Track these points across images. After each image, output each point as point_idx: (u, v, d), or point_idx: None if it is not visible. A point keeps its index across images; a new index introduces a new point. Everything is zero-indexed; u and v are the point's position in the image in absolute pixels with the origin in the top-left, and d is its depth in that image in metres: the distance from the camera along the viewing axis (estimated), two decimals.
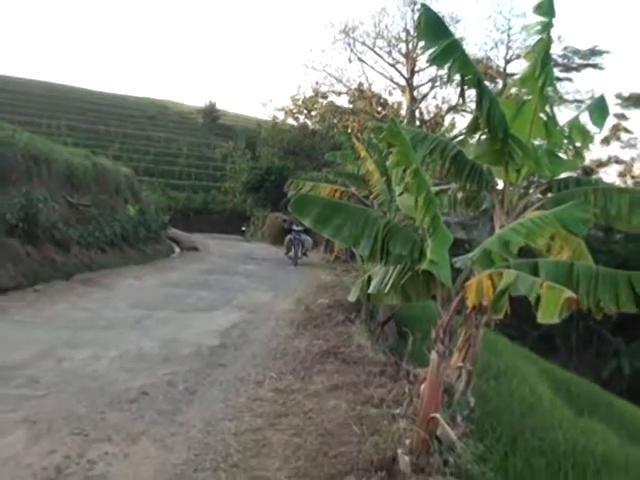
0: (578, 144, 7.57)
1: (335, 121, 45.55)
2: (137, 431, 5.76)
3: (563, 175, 8.13)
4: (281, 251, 25.83)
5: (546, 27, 6.76)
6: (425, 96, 44.27)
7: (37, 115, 50.02)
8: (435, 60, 7.00)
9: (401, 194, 5.29)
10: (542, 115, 7.13)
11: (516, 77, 8.11)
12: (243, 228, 39.68)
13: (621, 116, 53.66)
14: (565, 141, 7.49)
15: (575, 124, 7.56)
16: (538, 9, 6.79)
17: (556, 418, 9.70)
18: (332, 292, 15.28)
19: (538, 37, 6.87)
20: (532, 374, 14.27)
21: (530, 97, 7.14)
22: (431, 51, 6.95)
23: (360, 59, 44.74)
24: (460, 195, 8.44)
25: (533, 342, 30.30)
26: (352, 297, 6.54)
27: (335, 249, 24.53)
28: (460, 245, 7.64)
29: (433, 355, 5.14)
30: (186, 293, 14.40)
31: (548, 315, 4.24)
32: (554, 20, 6.75)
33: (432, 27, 7.03)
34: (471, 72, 7.00)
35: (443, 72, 7.05)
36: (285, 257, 24.93)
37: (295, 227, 24.10)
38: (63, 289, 13.35)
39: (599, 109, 7.73)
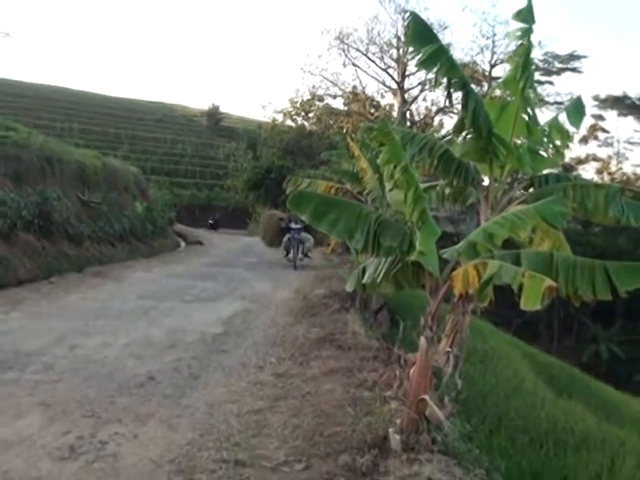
0: (557, 142, 7.58)
1: (331, 122, 45.66)
2: (145, 413, 5.76)
3: (544, 172, 8.15)
4: (278, 253, 21.63)
5: (526, 33, 6.74)
6: (415, 98, 44.37)
7: (52, 119, 50.13)
8: (423, 64, 7.00)
9: (391, 190, 5.29)
10: (524, 115, 7.12)
11: (499, 80, 8.10)
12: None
13: (598, 117, 53.96)
14: (545, 140, 7.49)
15: (554, 124, 7.56)
16: (518, 16, 6.77)
17: (538, 399, 9.73)
18: (328, 283, 15.29)
19: (519, 42, 6.86)
20: (516, 358, 14.31)
21: (512, 99, 7.14)
22: (419, 56, 6.95)
23: (354, 64, 44.88)
24: (448, 191, 8.44)
25: (517, 328, 30.39)
26: (349, 287, 6.56)
27: (331, 243, 24.41)
28: (449, 238, 7.66)
29: (422, 340, 5.15)
30: (191, 284, 14.40)
31: (530, 302, 4.26)
32: (534, 26, 6.75)
33: (420, 33, 7.02)
34: (457, 75, 7.00)
35: (431, 76, 7.05)
36: (284, 260, 20.84)
37: (293, 225, 20.27)
38: (76, 281, 13.37)
39: (576, 110, 7.73)
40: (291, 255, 20.42)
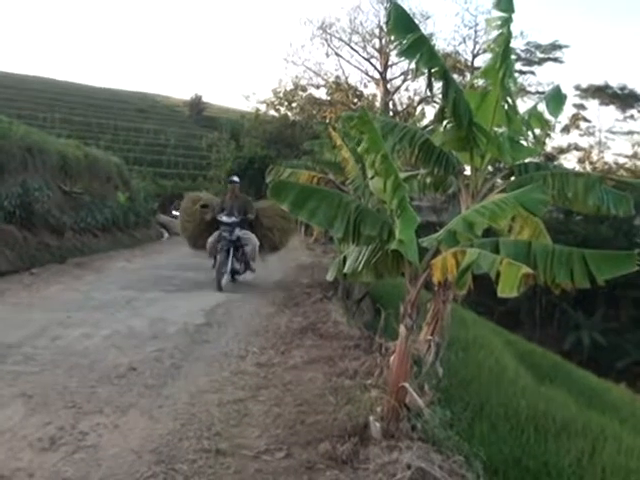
0: (537, 131, 7.62)
1: (314, 112, 45.69)
2: (126, 404, 5.74)
3: (525, 161, 8.19)
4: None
5: (506, 22, 6.77)
6: (398, 88, 44.47)
7: (33, 109, 49.75)
8: (404, 53, 7.03)
9: (372, 178, 5.30)
10: (503, 105, 7.16)
11: (480, 70, 8.13)
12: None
13: (580, 106, 54.20)
14: (525, 129, 7.53)
15: (534, 113, 7.61)
16: (498, 5, 6.79)
17: (520, 386, 9.78)
18: (311, 272, 15.32)
19: (499, 32, 6.88)
20: (498, 346, 14.36)
21: (492, 88, 7.16)
22: (400, 45, 6.96)
23: (337, 54, 44.98)
24: (429, 180, 8.48)
25: (500, 317, 30.58)
26: (330, 276, 6.57)
27: (314, 232, 24.31)
28: (431, 228, 7.70)
29: (401, 329, 5.16)
30: (173, 275, 14.38)
31: (507, 289, 4.28)
32: (513, 15, 6.76)
33: (401, 23, 7.04)
34: (438, 65, 7.03)
35: (413, 66, 7.05)
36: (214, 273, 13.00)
37: (224, 217, 13.23)
38: (58, 272, 13.30)
39: (555, 99, 7.79)
40: (222, 267, 12.76)
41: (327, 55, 45.66)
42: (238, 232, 13.14)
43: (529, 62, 47.63)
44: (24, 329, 8.15)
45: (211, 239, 13.23)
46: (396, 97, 45.05)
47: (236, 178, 14.68)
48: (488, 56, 7.37)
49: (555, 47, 48.15)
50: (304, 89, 46.86)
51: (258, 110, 46.59)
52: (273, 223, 14.01)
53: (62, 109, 53.57)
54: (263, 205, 14.27)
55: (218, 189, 43.83)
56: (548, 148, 46.88)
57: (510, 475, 6.16)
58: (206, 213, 13.78)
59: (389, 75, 43.82)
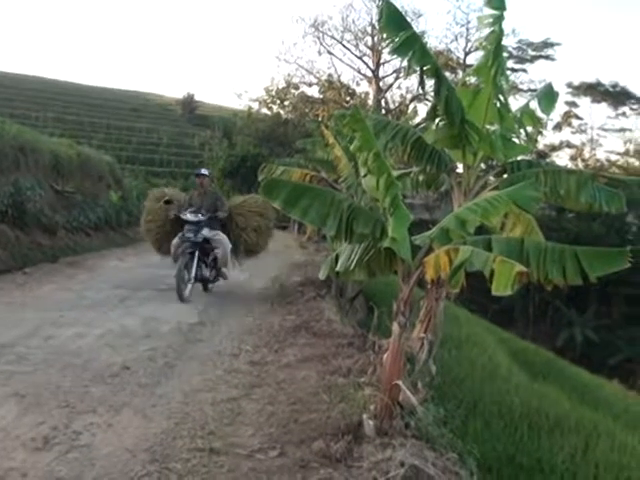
0: (529, 129, 7.64)
1: (306, 110, 45.72)
2: (120, 403, 5.73)
3: (517, 158, 8.20)
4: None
5: (498, 20, 6.77)
6: (390, 86, 44.53)
7: (26, 108, 49.53)
8: (396, 51, 7.03)
9: (365, 176, 5.30)
10: (496, 102, 7.17)
11: (472, 67, 8.14)
12: None
13: (572, 104, 54.38)
14: (517, 126, 7.54)
15: (526, 111, 7.62)
16: (489, 3, 6.79)
17: (513, 384, 9.81)
18: (304, 270, 15.31)
19: (491, 29, 6.89)
20: (491, 344, 14.40)
21: (484, 86, 7.17)
22: (393, 43, 6.96)
23: (329, 52, 45.00)
24: (421, 178, 8.48)
25: (493, 315, 30.68)
26: (322, 275, 6.56)
27: (307, 231, 24.29)
28: (424, 225, 7.70)
29: (394, 326, 5.16)
30: (166, 273, 14.27)
31: (501, 287, 4.28)
32: (505, 13, 6.77)
33: (393, 20, 7.04)
34: (430, 63, 7.03)
35: (405, 63, 7.05)
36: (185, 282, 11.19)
37: (189, 215, 11.49)
38: (50, 271, 13.26)
39: (547, 96, 7.80)
40: (186, 275, 11.03)
41: (319, 53, 45.77)
42: (206, 233, 11.36)
43: (521, 60, 47.77)
44: (17, 328, 8.13)
45: (175, 241, 11.45)
46: (388, 95, 45.16)
47: (205, 170, 12.86)
48: (480, 54, 7.38)
49: (547, 45, 48.30)
50: (296, 87, 46.92)
51: (250, 108, 46.59)
52: (249, 222, 12.31)
53: (55, 108, 53.33)
54: (237, 201, 12.77)
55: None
56: (540, 146, 47.09)
57: (504, 472, 6.17)
58: (170, 210, 11.90)
59: (381, 73, 43.92)
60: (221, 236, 11.70)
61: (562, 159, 53.81)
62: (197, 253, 11.21)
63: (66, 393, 5.89)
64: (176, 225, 11.70)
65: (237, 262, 12.71)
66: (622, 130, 54.93)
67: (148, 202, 12.98)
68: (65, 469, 4.37)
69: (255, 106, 46.98)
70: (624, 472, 6.70)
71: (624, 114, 54.71)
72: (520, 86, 44.39)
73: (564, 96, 51.77)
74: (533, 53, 48.15)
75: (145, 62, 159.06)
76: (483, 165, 8.67)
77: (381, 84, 43.80)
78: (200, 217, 11.40)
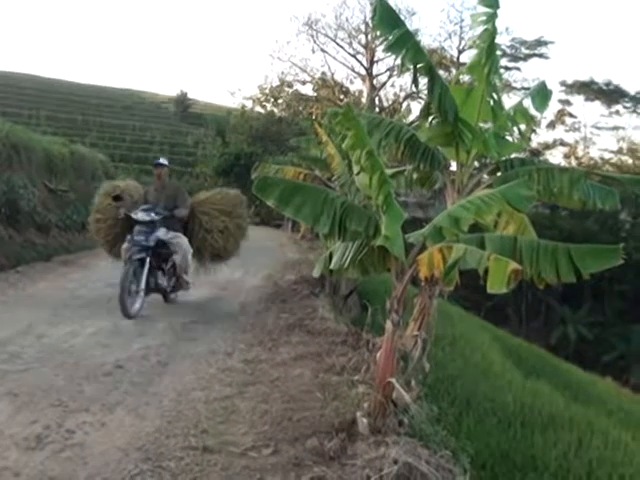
0: (522, 127, 7.65)
1: (300, 109, 45.59)
2: (113, 402, 5.73)
3: (510, 156, 8.21)
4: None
5: (491, 18, 6.77)
6: (384, 84, 44.39)
7: (19, 106, 49.39)
8: (390, 49, 7.03)
9: (358, 174, 5.30)
10: (489, 100, 7.18)
11: (465, 65, 8.15)
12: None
13: (565, 102, 54.52)
14: (510, 124, 7.55)
15: (519, 109, 7.63)
16: (483, 1, 6.79)
17: (506, 381, 9.86)
18: (298, 269, 15.30)
19: (484, 27, 6.89)
20: (485, 341, 14.46)
21: (478, 84, 7.18)
22: (386, 41, 6.97)
23: (323, 50, 44.76)
24: (415, 176, 8.47)
25: (486, 312, 30.77)
26: (316, 273, 6.58)
27: (301, 229, 24.24)
28: (418, 224, 7.70)
29: (388, 324, 5.17)
30: None
31: (496, 286, 4.29)
32: (498, 11, 6.77)
33: (386, 18, 7.04)
34: (423, 61, 7.03)
35: (399, 61, 7.06)
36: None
37: (141, 214, 9.70)
38: (43, 270, 13.21)
39: (541, 95, 7.81)
40: (132, 286, 9.22)
41: (313, 51, 45.60)
42: (162, 235, 9.63)
43: (514, 58, 47.80)
44: (10, 327, 8.10)
45: (126, 245, 9.69)
46: (382, 93, 45.05)
47: (164, 160, 10.80)
48: (473, 52, 7.38)
49: (540, 43, 48.35)
50: (290, 85, 46.78)
51: (244, 106, 46.48)
52: (214, 222, 10.57)
53: (48, 106, 53.16)
54: (201, 197, 10.99)
55: (205, 187, 43.76)
56: (534, 144, 47.19)
57: (497, 469, 6.20)
58: (119, 209, 10.02)
59: (375, 71, 43.79)
60: (180, 239, 9.97)
61: (555, 157, 53.99)
62: (148, 260, 9.42)
63: (59, 392, 5.89)
64: (129, 225, 9.85)
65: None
66: (615, 128, 55.11)
67: (98, 197, 11.14)
68: (58, 468, 4.37)
69: (249, 104, 46.87)
70: (617, 469, 6.73)
71: (617, 112, 54.87)
72: (514, 84, 44.35)
73: (557, 94, 51.94)
74: (526, 51, 48.20)
75: (138, 60, 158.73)
76: (476, 163, 8.67)
77: (375, 82, 43.71)
78: (154, 216, 9.58)
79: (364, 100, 43.22)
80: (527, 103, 7.66)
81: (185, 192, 10.60)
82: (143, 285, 9.35)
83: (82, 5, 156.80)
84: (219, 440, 4.98)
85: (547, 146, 53.86)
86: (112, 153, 39.41)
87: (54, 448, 4.68)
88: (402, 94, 44.15)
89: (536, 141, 49.70)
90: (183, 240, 10.00)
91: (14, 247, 13.72)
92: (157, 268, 9.84)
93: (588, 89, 53.87)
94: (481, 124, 7.37)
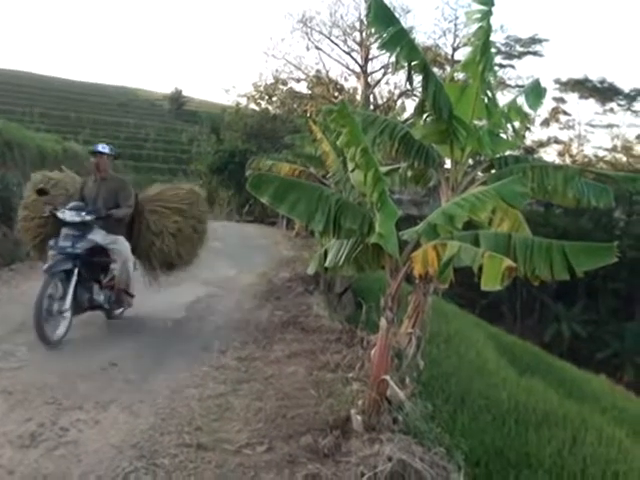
0: (517, 124, 7.66)
1: (295, 106, 45.61)
2: (107, 399, 5.72)
3: (504, 154, 8.23)
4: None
5: (486, 15, 6.78)
6: (378, 82, 44.41)
7: (13, 103, 49.27)
8: (384, 46, 7.06)
9: (353, 171, 5.31)
10: (483, 98, 7.19)
11: (460, 63, 8.16)
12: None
13: (560, 100, 54.55)
14: (504, 122, 7.57)
15: (513, 106, 7.64)
16: None
17: (501, 379, 9.88)
18: (293, 266, 15.28)
19: (479, 25, 6.90)
20: (479, 339, 14.48)
21: (472, 81, 7.19)
22: (381, 38, 6.97)
23: (317, 47, 44.77)
24: (409, 173, 8.48)
25: (481, 309, 30.77)
26: (311, 270, 6.59)
27: (296, 226, 24.20)
28: (412, 221, 7.69)
29: (382, 322, 5.18)
30: None
31: (491, 283, 4.30)
32: (493, 9, 6.78)
33: (381, 15, 7.06)
34: (418, 58, 7.05)
35: (393, 59, 7.07)
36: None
37: (70, 214, 7.71)
38: (37, 268, 13.14)
39: (535, 92, 7.83)
40: (66, 301, 7.48)
41: (307, 49, 45.71)
42: (99, 238, 7.83)
43: (509, 56, 47.85)
44: (3, 325, 8.07)
45: (50, 253, 7.89)
46: (377, 91, 45.07)
47: (104, 147, 8.64)
48: (468, 50, 7.39)
49: (535, 41, 48.39)
50: (285, 83, 46.78)
51: (239, 104, 46.43)
52: (165, 224, 8.76)
53: (41, 103, 53.04)
54: (150, 193, 9.16)
55: (199, 185, 43.64)
56: (528, 141, 47.23)
57: (492, 466, 6.22)
58: (46, 204, 8.20)
59: (370, 69, 43.81)
60: (120, 244, 8.14)
61: (550, 155, 54.08)
62: (77, 271, 7.54)
63: (53, 390, 5.87)
64: (54, 226, 8.05)
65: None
66: (610, 126, 55.17)
67: (26, 190, 9.24)
68: (52, 466, 4.37)
69: (243, 102, 46.84)
70: (611, 466, 6.76)
71: (612, 110, 54.88)
72: (508, 82, 44.38)
73: (552, 92, 51.89)
74: (521, 49, 48.25)
75: (133, 57, 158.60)
76: (471, 161, 8.69)
77: (369, 80, 43.73)
78: (85, 216, 7.73)
79: (359, 98, 43.25)
80: (521, 101, 7.68)
81: (129, 186, 8.63)
82: (68, 304, 7.45)
83: (77, 2, 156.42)
84: (213, 437, 4.99)
85: (541, 144, 53.93)
86: None
87: (48, 446, 4.68)
88: (397, 92, 44.21)
89: (530, 139, 49.79)
90: (123, 246, 8.18)
91: (7, 245, 13.66)
92: (93, 280, 8.04)
93: (582, 87, 53.91)
94: (475, 122, 7.39)
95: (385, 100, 44.73)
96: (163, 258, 8.90)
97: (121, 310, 8.73)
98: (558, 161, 48.14)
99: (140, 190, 9.30)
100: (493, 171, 7.98)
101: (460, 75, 8.31)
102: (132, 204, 8.44)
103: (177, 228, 8.79)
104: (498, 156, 7.95)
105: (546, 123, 54.18)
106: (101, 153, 8.53)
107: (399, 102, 44.11)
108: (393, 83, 44.96)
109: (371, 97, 43.92)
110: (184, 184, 9.98)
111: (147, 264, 9.03)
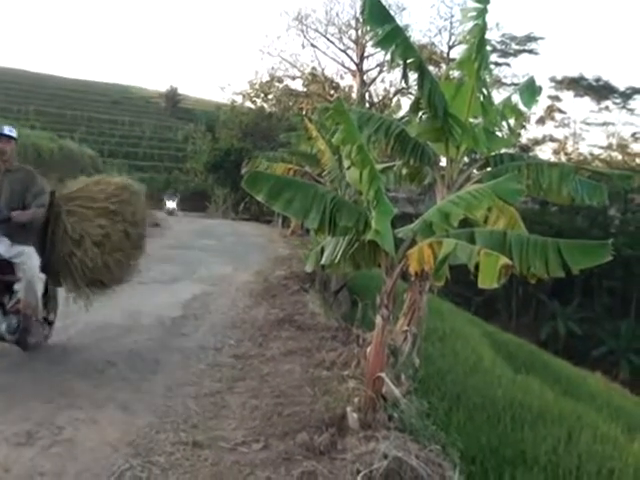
0: (512, 122, 7.68)
1: (290, 104, 45.64)
2: (103, 398, 5.71)
3: (500, 151, 8.24)
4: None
5: (481, 13, 6.79)
6: (374, 80, 44.50)
7: (8, 101, 49.22)
8: (380, 44, 7.06)
9: (348, 168, 5.31)
10: (479, 95, 7.19)
11: (455, 61, 8.18)
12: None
13: (555, 98, 54.73)
14: (500, 120, 7.58)
15: (508, 104, 7.65)
16: None
17: (496, 376, 9.87)
18: (288, 264, 15.29)
19: (474, 23, 6.90)
20: (475, 336, 14.49)
21: (467, 79, 7.19)
22: (376, 36, 6.98)
23: (313, 45, 44.83)
24: (405, 171, 8.49)
25: (477, 307, 30.86)
26: (309, 267, 6.60)
27: (292, 224, 24.20)
28: (408, 219, 7.71)
29: (378, 319, 5.18)
30: (148, 267, 14.25)
31: (488, 281, 4.30)
32: (489, 7, 6.79)
33: (376, 13, 7.06)
34: (413, 56, 7.05)
35: (389, 57, 7.08)
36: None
37: None
38: None
39: (529, 90, 7.84)
40: None
41: (303, 46, 45.58)
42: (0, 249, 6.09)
43: (504, 54, 48.01)
44: None
45: None
46: (372, 88, 45.13)
47: (10, 130, 6.47)
48: (463, 47, 7.40)
49: (530, 39, 48.57)
50: (280, 80, 46.81)
51: (234, 102, 46.43)
52: (88, 228, 6.68)
53: (36, 101, 53.08)
54: (72, 189, 7.12)
55: (195, 183, 43.63)
56: (523, 139, 47.37)
57: (487, 464, 6.21)
58: None
59: (365, 66, 43.86)
60: (28, 257, 6.25)
61: (545, 153, 54.24)
62: None
63: (50, 388, 5.85)
64: None
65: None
66: (605, 124, 55.45)
67: None
68: (48, 464, 4.36)
69: (239, 99, 46.87)
70: (607, 463, 6.75)
71: (607, 108, 55.14)
72: (503, 80, 44.54)
73: (547, 90, 52.13)
74: (516, 47, 48.43)
75: (128, 55, 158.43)
76: (466, 158, 8.71)
77: (365, 77, 43.77)
78: None
79: (354, 95, 43.26)
80: (516, 99, 7.70)
81: (41, 181, 6.67)
82: None
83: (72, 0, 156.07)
84: (209, 435, 4.99)
85: (536, 142, 54.13)
86: (101, 148, 39.38)
87: (44, 444, 4.67)
88: (392, 89, 44.30)
89: (525, 137, 49.97)
90: (30, 260, 6.26)
91: None
92: None
93: (578, 85, 54.08)
94: (471, 119, 7.39)
95: (381, 98, 44.80)
96: (86, 272, 6.72)
97: (45, 336, 7.09)
98: (553, 159, 48.20)
99: (58, 186, 7.43)
100: (488, 169, 7.99)
101: (456, 73, 8.32)
102: (45, 203, 6.51)
103: (103, 234, 6.72)
104: (493, 154, 7.97)
105: (541, 121, 54.39)
106: (8, 137, 6.45)
107: (395, 100, 44.17)
108: (389, 81, 45.13)
109: (367, 95, 43.96)
110: (114, 177, 7.51)
111: (69, 280, 6.90)
